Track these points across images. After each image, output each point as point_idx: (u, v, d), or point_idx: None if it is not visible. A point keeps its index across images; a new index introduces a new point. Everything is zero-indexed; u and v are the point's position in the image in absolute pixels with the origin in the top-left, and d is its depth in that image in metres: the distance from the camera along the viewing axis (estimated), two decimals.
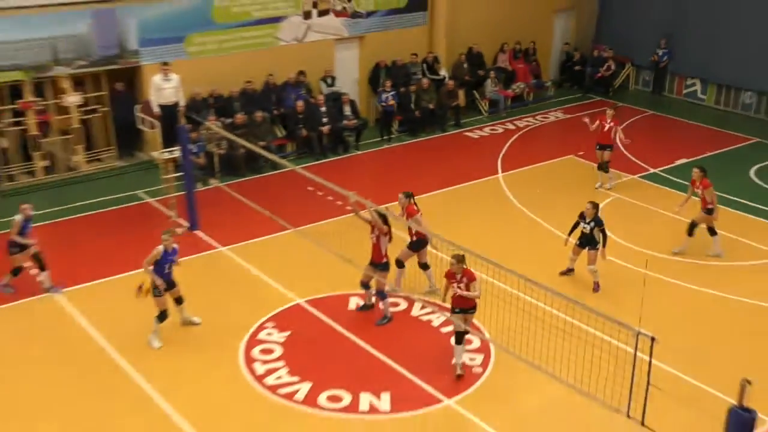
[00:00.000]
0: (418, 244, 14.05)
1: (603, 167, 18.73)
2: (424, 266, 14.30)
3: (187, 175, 16.63)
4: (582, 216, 14.45)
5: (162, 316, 12.78)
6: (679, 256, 15.87)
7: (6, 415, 11.35)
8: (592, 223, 14.31)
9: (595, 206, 14.44)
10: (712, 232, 15.94)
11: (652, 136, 23.03)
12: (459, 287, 11.74)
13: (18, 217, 14.00)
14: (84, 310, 13.83)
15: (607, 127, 18.47)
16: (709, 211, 15.78)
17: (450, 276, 11.93)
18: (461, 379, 12.01)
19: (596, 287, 14.51)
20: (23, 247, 14.14)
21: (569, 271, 15.00)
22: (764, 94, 24.54)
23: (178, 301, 13.15)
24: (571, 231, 14.64)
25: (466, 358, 12.71)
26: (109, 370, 12.34)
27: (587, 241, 14.49)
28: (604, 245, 14.39)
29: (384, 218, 13.11)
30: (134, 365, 12.40)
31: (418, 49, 24.26)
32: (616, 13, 27.42)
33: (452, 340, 12.24)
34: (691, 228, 15.93)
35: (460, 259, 11.74)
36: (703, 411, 9.61)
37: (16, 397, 11.73)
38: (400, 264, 14.18)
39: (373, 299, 13.73)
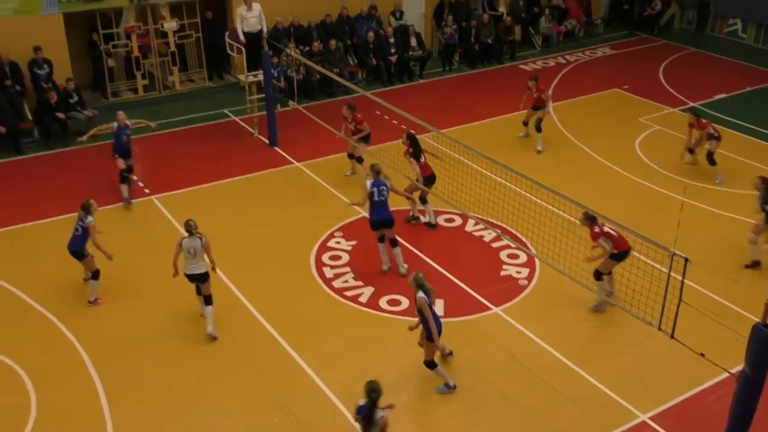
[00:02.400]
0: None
1: (537, 127, 16.62)
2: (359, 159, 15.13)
3: (268, 96, 16.51)
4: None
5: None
6: (718, 185, 15.35)
7: (118, 290, 11.75)
8: (762, 200, 12.44)
9: (765, 181, 12.41)
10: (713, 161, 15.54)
11: (693, 72, 22.07)
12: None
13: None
14: (177, 215, 13.93)
15: (535, 95, 16.66)
16: (717, 138, 15.42)
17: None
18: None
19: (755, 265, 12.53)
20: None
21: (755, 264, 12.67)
22: None
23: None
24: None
25: (513, 271, 12.54)
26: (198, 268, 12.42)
27: None
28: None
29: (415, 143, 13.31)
30: (220, 266, 12.39)
31: None
32: None
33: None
34: (710, 157, 15.52)
35: (587, 217, 10.95)
36: (729, 327, 9.32)
37: (123, 278, 12.07)
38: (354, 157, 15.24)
39: (429, 218, 13.57)
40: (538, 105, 16.77)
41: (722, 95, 20.20)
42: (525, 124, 17.15)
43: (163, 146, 16.98)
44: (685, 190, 13.86)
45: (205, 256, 10.57)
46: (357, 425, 8.13)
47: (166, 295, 11.72)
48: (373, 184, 11.75)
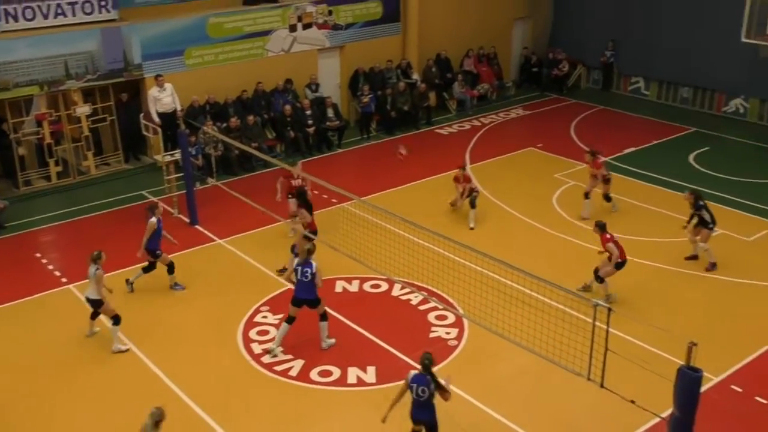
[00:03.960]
0: None
1: (471, 203, 16.51)
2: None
3: (186, 175, 16.38)
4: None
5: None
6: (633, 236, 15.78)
7: (32, 392, 11.13)
8: (694, 208, 14.41)
9: (693, 192, 14.58)
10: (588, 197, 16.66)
11: (602, 129, 22.91)
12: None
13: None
14: None
15: (463, 184, 16.58)
16: (607, 181, 16.71)
17: None
18: None
19: (710, 267, 14.49)
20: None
21: (694, 257, 14.87)
22: (699, 89, 24.47)
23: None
24: (690, 219, 14.64)
25: (442, 332, 12.54)
26: (122, 356, 12.08)
27: (701, 222, 14.47)
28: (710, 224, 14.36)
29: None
30: (141, 348, 12.16)
31: (393, 56, 24.04)
32: (568, 20, 27.29)
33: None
34: (605, 196, 16.79)
35: (599, 225, 13.28)
36: (655, 372, 9.49)
37: (41, 376, 11.52)
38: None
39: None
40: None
41: (631, 149, 21.00)
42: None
43: (81, 232, 16.55)
44: None
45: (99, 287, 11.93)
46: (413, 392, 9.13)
47: (88, 393, 11.30)
48: (298, 264, 11.76)
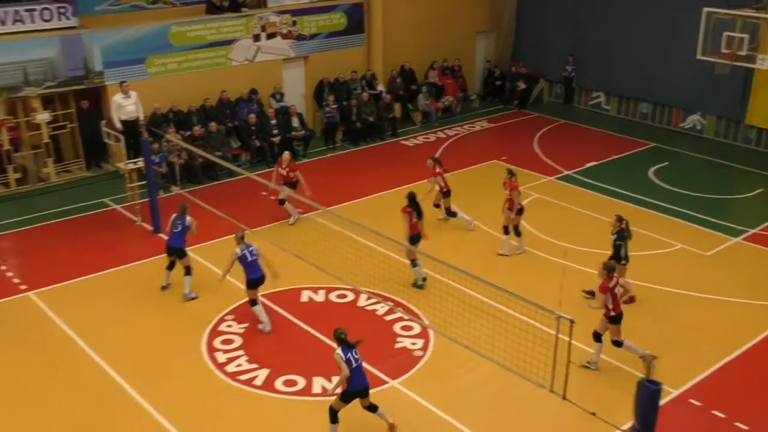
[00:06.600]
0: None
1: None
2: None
3: (150, 183, 16.30)
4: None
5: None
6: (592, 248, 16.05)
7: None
8: (615, 235, 13.41)
9: (620, 219, 13.48)
10: (506, 231, 15.64)
11: (564, 143, 23.27)
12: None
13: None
14: (57, 310, 13.41)
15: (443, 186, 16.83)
16: (519, 212, 15.57)
17: None
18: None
19: (629, 300, 13.19)
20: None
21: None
22: (658, 104, 25.00)
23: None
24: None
25: (407, 343, 12.65)
26: (85, 366, 11.99)
27: (614, 255, 13.30)
28: (623, 260, 13.34)
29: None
30: (108, 361, 12.07)
31: (358, 66, 24.20)
32: (530, 34, 27.65)
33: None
34: (514, 229, 15.70)
35: (606, 266, 11.67)
36: (616, 384, 9.71)
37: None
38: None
39: None
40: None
41: (592, 163, 21.34)
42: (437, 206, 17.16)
43: (41, 240, 16.37)
44: (565, 253, 14.49)
45: None
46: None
47: (53, 410, 11.18)
48: (243, 248, 12.48)
